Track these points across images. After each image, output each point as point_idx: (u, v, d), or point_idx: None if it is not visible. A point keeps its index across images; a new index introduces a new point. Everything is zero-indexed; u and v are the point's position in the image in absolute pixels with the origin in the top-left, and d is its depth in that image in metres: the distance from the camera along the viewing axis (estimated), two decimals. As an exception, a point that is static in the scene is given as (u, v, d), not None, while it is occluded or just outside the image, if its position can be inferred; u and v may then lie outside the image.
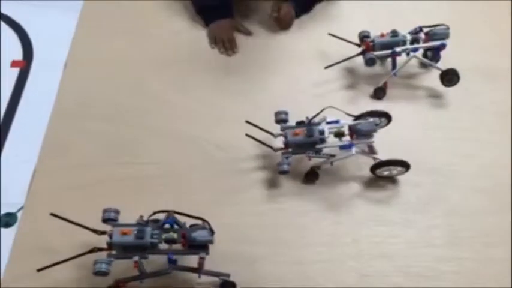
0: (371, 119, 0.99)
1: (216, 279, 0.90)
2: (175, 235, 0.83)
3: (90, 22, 1.33)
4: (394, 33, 1.13)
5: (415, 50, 1.14)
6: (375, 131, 0.99)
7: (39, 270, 0.83)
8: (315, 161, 1.03)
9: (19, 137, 1.11)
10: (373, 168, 1.03)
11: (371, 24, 1.19)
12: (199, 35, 1.29)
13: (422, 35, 1.13)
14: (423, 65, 1.21)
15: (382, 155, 1.03)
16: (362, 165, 1.05)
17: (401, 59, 1.15)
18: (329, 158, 1.02)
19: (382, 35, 1.13)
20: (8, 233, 0.96)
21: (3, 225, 0.96)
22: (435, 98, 1.18)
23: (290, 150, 1.01)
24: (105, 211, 0.86)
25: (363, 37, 1.16)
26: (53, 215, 0.86)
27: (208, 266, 0.90)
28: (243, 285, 0.91)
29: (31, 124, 1.12)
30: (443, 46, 1.14)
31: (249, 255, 0.94)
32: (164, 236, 0.83)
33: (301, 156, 1.02)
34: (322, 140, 0.99)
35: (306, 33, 1.32)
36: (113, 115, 1.14)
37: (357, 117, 1.02)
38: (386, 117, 1.06)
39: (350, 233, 0.98)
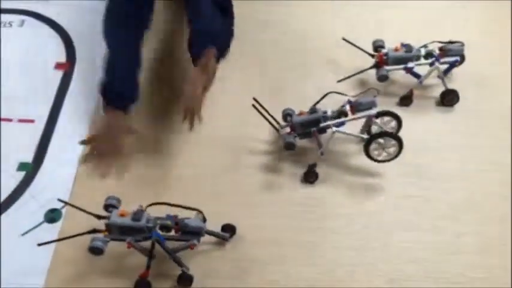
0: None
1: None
2: (169, 222, 0.89)
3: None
4: (408, 48, 1.14)
5: (432, 64, 1.14)
6: (374, 103, 1.01)
7: (39, 244, 0.89)
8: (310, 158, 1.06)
9: (63, 138, 1.16)
10: (366, 152, 1.03)
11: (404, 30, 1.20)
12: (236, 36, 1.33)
13: (436, 49, 1.14)
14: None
15: (410, 162, 1.04)
16: (393, 170, 1.07)
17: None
18: (320, 147, 1.05)
19: (396, 49, 1.14)
20: (53, 228, 1.01)
21: (48, 220, 1.01)
22: (462, 105, 1.19)
23: (295, 132, 1.04)
24: (107, 198, 0.93)
25: (377, 47, 1.17)
26: (60, 200, 0.96)
27: (237, 265, 0.96)
28: (272, 285, 0.95)
29: (74, 125, 1.17)
30: (456, 62, 1.14)
31: (278, 256, 0.99)
32: (159, 222, 0.89)
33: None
34: (325, 118, 1.02)
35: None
36: (150, 118, 1.18)
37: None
38: (396, 118, 1.06)
39: (380, 238, 1.00)
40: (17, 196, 1.06)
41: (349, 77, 1.18)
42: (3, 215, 1.03)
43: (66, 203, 0.96)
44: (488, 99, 1.20)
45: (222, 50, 1.18)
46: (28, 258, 0.96)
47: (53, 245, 0.97)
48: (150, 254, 0.92)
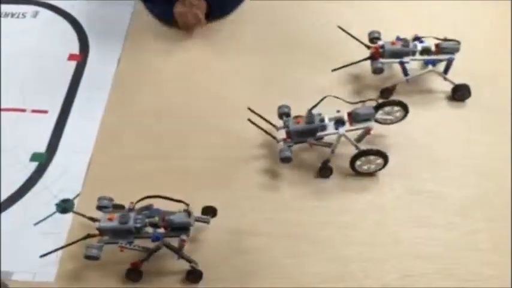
0: (369, 104, 1.01)
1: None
2: (157, 219, 0.89)
3: (143, 17, 1.37)
4: (406, 42, 1.12)
5: (429, 62, 1.13)
6: (373, 115, 0.99)
7: (41, 256, 0.91)
8: (321, 152, 1.05)
9: (76, 129, 1.16)
10: (352, 162, 1.03)
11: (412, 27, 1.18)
12: (242, 31, 1.33)
13: (432, 46, 1.12)
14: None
15: (424, 158, 1.02)
16: (406, 166, 1.06)
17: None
18: (329, 146, 1.03)
19: (393, 43, 1.12)
20: (65, 218, 1.02)
21: (60, 210, 1.01)
22: (475, 101, 1.17)
23: (292, 140, 1.03)
24: (99, 199, 0.93)
25: (373, 38, 1.15)
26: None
27: (249, 259, 0.96)
28: (284, 280, 0.94)
29: (87, 116, 1.18)
30: (450, 60, 1.12)
31: (290, 251, 0.99)
32: (148, 220, 0.89)
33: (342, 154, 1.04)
34: (323, 127, 1.00)
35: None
36: (163, 110, 1.19)
37: (378, 107, 1.03)
38: (402, 107, 1.05)
39: (393, 234, 0.99)
40: (30, 186, 1.07)
41: (343, 66, 1.16)
42: (16, 205, 1.05)
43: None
44: (502, 95, 1.19)
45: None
46: (41, 248, 0.95)
47: (64, 236, 0.99)
48: (150, 254, 0.92)
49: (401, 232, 1.00)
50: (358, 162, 1.03)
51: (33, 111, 1.19)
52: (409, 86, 1.18)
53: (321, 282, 0.94)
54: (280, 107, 1.06)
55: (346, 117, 1.01)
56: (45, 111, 1.19)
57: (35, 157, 1.11)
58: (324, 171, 1.06)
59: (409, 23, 1.29)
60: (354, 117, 1.00)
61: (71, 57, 1.29)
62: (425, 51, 1.13)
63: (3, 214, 1.03)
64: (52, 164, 1.10)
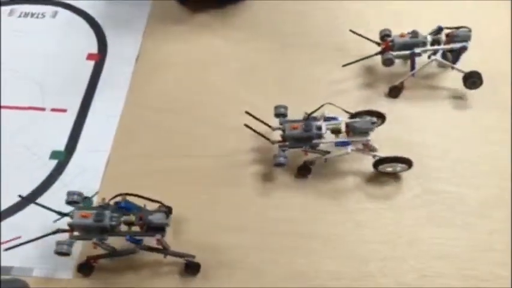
0: (368, 117, 1.00)
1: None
2: (133, 217, 0.87)
3: (161, 17, 1.38)
4: (415, 33, 1.11)
5: (436, 52, 1.12)
6: (371, 129, 0.98)
7: (6, 249, 0.92)
8: (311, 156, 1.04)
9: (94, 127, 1.17)
10: (375, 165, 1.03)
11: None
12: (256, 30, 1.33)
13: (443, 36, 1.10)
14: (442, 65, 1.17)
15: (441, 157, 1.00)
16: (423, 165, 1.04)
17: (422, 59, 1.13)
18: (324, 154, 1.02)
19: (402, 35, 1.11)
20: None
21: (79, 208, 1.00)
22: (490, 101, 1.15)
23: (287, 143, 1.01)
24: (69, 194, 0.92)
25: (384, 36, 1.14)
26: (20, 196, 0.98)
27: (260, 256, 0.94)
28: (296, 280, 0.94)
29: (105, 115, 1.19)
30: (463, 48, 1.10)
31: (305, 248, 0.98)
32: (123, 218, 0.87)
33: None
34: (319, 136, 0.99)
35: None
36: (180, 108, 1.19)
37: (354, 115, 1.03)
38: (381, 117, 1.04)
39: (410, 233, 0.98)
40: (50, 184, 1.08)
41: (354, 62, 1.15)
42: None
43: (26, 199, 0.97)
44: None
45: None
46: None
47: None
48: (118, 255, 0.91)
49: (419, 232, 0.98)
50: (381, 166, 1.03)
51: (53, 110, 1.19)
52: (420, 84, 1.17)
53: (336, 280, 0.94)
54: (276, 107, 1.05)
55: (343, 128, 1.00)
56: (64, 110, 1.19)
57: (54, 155, 1.12)
58: (303, 171, 1.05)
59: (427, 20, 1.27)
60: (351, 130, 0.99)
61: (89, 56, 1.30)
62: (436, 41, 1.11)
63: (24, 211, 1.04)
64: (71, 162, 1.11)
